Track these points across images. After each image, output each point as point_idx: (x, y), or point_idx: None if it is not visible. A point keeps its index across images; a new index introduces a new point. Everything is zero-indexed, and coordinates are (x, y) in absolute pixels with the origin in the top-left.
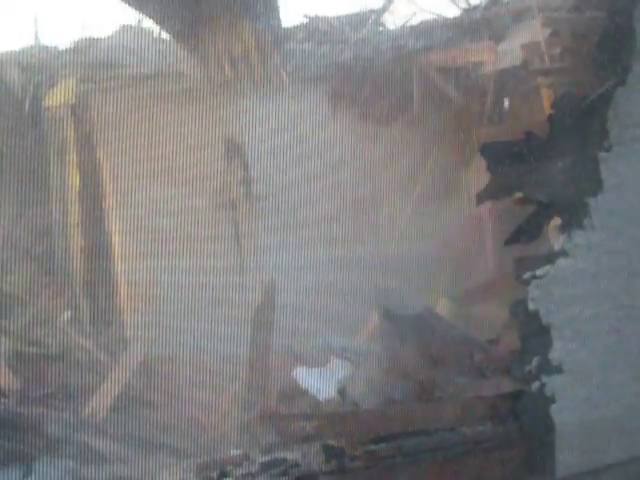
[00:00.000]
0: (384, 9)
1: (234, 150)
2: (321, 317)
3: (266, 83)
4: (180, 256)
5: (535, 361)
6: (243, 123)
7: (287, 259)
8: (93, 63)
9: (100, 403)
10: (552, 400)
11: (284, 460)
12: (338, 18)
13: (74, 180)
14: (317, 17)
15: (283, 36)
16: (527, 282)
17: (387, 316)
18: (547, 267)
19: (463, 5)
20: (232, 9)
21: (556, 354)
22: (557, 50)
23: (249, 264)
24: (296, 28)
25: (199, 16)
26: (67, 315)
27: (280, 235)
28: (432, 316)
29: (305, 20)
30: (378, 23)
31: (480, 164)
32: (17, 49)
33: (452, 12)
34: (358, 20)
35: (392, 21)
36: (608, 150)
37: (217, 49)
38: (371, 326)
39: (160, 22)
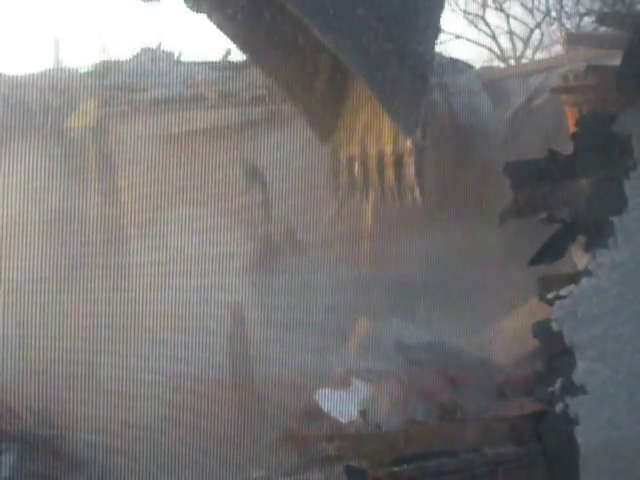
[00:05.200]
0: None
1: (254, 174)
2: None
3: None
4: (204, 276)
5: (559, 382)
6: (265, 145)
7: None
8: (114, 86)
9: (122, 424)
10: (576, 421)
11: None
12: None
13: (95, 203)
14: None
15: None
16: (551, 302)
17: (399, 347)
18: (571, 287)
19: (482, 26)
20: None
21: (580, 375)
22: (581, 67)
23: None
24: None
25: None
26: (89, 338)
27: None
28: (445, 343)
29: None
30: None
31: None
32: (38, 71)
33: (470, 33)
34: None
35: None
36: (633, 168)
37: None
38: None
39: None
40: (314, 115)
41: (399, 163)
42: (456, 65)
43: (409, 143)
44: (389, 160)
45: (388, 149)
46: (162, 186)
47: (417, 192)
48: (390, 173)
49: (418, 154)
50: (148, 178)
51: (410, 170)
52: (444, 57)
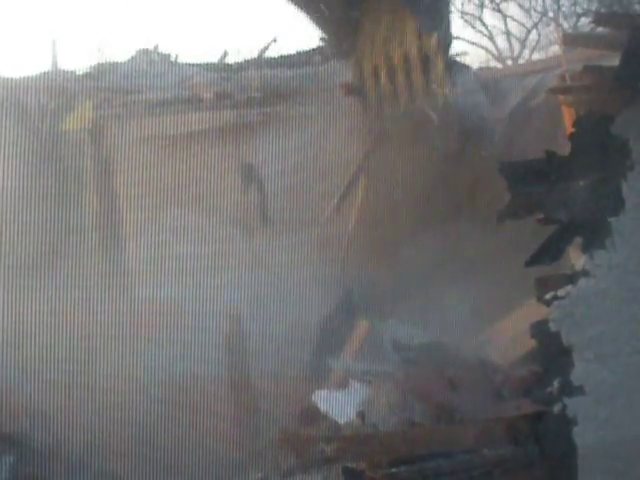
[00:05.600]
0: None
1: (250, 175)
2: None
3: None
4: (200, 278)
5: (556, 382)
6: (260, 146)
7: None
8: (111, 88)
9: (120, 426)
10: (574, 422)
11: None
12: None
13: (92, 204)
14: None
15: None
16: (549, 303)
17: (397, 348)
18: (569, 287)
19: (479, 26)
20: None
21: (577, 375)
22: (578, 67)
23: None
24: (314, 51)
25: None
26: (87, 338)
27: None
28: (442, 344)
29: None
30: None
31: None
32: (35, 74)
33: (467, 33)
34: None
35: None
36: (630, 169)
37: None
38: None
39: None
40: (334, 29)
41: (425, 63)
42: (453, 65)
43: (434, 40)
44: (415, 61)
45: (413, 50)
46: (159, 187)
47: (446, 88)
48: (418, 74)
49: (444, 49)
50: (145, 179)
51: (439, 66)
52: None
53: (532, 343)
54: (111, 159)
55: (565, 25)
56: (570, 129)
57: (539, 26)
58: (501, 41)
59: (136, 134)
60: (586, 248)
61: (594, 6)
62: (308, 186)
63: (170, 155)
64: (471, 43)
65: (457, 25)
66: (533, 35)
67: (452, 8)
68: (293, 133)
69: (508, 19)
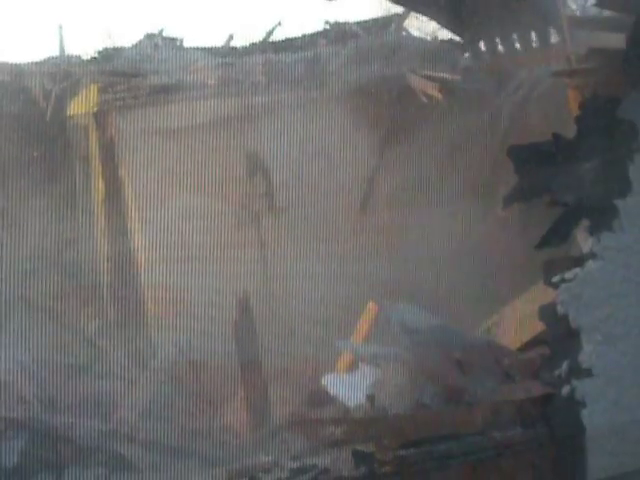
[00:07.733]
0: (407, 13)
1: (256, 162)
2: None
3: None
4: (204, 262)
5: (565, 365)
6: (266, 134)
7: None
8: (116, 72)
9: (129, 410)
10: (582, 404)
11: (314, 466)
12: (360, 23)
13: (98, 188)
14: (338, 23)
15: None
16: (556, 285)
17: (404, 330)
18: (576, 270)
19: None
20: None
21: (586, 357)
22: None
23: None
24: (318, 34)
25: None
26: (95, 323)
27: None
28: (451, 327)
29: (327, 26)
30: (401, 28)
31: None
32: (41, 58)
33: None
34: (381, 25)
35: (416, 25)
36: (637, 150)
37: None
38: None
39: None
40: None
41: None
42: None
43: None
44: None
45: None
46: (164, 171)
47: None
48: None
49: None
50: (150, 163)
51: None
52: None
53: (540, 326)
54: (117, 143)
55: (573, 7)
56: (576, 112)
57: None
58: None
59: (141, 118)
60: (593, 230)
61: None
62: (315, 173)
63: (175, 139)
64: None
65: None
66: None
67: None
68: (299, 118)
69: None
